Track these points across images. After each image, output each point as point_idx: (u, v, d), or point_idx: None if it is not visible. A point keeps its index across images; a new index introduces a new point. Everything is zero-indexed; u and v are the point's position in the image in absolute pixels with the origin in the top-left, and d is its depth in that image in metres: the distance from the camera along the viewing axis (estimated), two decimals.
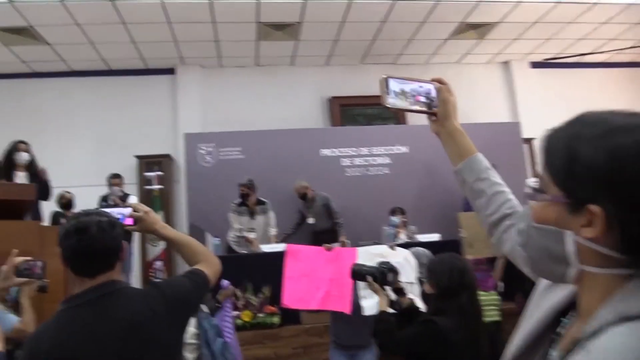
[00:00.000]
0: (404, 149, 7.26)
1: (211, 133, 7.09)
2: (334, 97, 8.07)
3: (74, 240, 1.46)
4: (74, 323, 1.44)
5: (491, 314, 4.44)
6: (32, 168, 5.35)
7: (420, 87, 1.25)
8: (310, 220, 6.47)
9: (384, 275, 2.82)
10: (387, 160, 7.27)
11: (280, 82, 8.09)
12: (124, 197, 6.05)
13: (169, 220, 7.30)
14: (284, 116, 7.77)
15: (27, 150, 5.31)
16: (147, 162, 7.45)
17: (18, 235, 3.81)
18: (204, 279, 1.66)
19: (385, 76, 1.21)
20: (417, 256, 4.44)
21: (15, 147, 5.27)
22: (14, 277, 2.01)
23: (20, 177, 5.22)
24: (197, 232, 6.71)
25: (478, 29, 7.36)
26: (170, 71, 7.94)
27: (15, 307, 2.89)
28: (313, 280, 4.47)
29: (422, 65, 8.38)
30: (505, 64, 8.69)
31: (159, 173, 7.33)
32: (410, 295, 2.99)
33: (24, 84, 7.74)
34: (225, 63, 7.97)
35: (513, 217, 1.10)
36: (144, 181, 7.30)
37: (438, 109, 1.23)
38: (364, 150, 7.20)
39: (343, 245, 5.56)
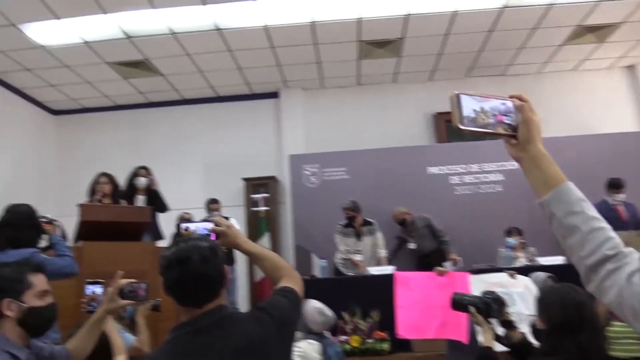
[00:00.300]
0: (518, 165, 6.76)
1: (315, 154, 7.09)
2: (439, 113, 7.77)
3: (176, 273, 1.43)
4: (188, 350, 1.41)
5: (630, 349, 3.89)
6: (150, 191, 5.61)
7: (503, 104, 1.07)
8: (412, 246, 6.19)
9: (488, 306, 2.51)
10: (499, 177, 6.82)
11: (382, 100, 7.96)
12: None
13: (275, 242, 7.37)
14: (387, 134, 7.60)
15: (146, 175, 5.57)
16: (254, 184, 7.61)
17: (135, 256, 3.96)
18: (298, 297, 1.63)
19: (456, 93, 1.05)
20: (536, 282, 4.04)
21: (136, 172, 5.55)
22: (119, 299, 2.01)
23: (140, 201, 5.50)
24: (303, 253, 6.69)
25: (597, 32, 6.75)
26: (273, 95, 8.12)
27: (131, 326, 2.95)
28: (427, 308, 4.23)
29: (534, 75, 7.87)
30: (630, 68, 7.91)
31: (265, 195, 7.46)
32: (523, 329, 2.66)
33: (141, 113, 8.28)
34: (327, 84, 7.99)
35: (617, 260, 0.93)
36: (250, 203, 7.44)
37: (519, 131, 1.06)
38: (474, 167, 6.80)
39: (455, 262, 5.26)
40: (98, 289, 2.35)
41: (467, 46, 6.91)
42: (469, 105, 1.05)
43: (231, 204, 6.91)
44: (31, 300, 1.83)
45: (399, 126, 7.79)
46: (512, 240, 5.52)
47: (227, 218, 6.25)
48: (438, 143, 7.62)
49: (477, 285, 4.05)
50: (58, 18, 5.69)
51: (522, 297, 3.92)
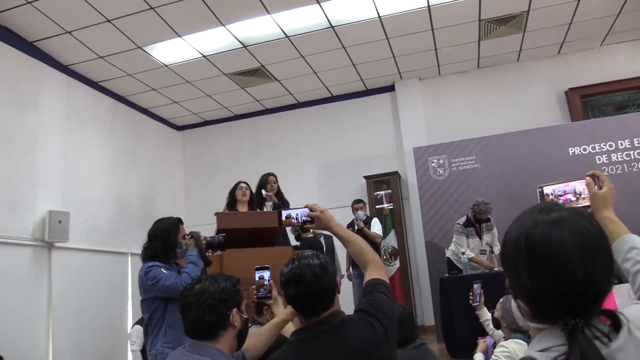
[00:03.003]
0: None
1: (441, 144, 6.72)
2: (572, 89, 7.08)
3: (293, 290, 1.62)
4: (308, 353, 1.58)
5: None
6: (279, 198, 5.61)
7: (566, 185, 1.57)
8: None
9: None
10: None
11: (505, 81, 7.42)
12: (367, 221, 5.99)
13: (402, 238, 7.12)
14: (515, 117, 7.06)
15: (276, 182, 5.57)
16: (375, 182, 7.41)
17: (276, 261, 3.91)
18: (390, 289, 1.75)
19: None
20: None
21: (267, 180, 5.55)
22: None
23: (268, 207, 5.52)
24: (435, 250, 6.39)
25: None
26: (389, 89, 7.89)
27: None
28: None
29: None
30: None
31: (388, 191, 7.24)
32: None
33: (259, 121, 8.44)
34: (444, 71, 7.61)
35: None
36: (374, 201, 7.26)
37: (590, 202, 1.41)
38: (625, 143, 6.04)
39: None
40: (266, 274, 2.34)
41: (604, 10, 6.19)
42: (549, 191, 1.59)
43: (351, 204, 6.71)
44: (245, 311, 1.91)
45: (528, 107, 7.20)
46: None
47: (371, 218, 6.11)
48: (574, 121, 6.92)
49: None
50: (180, 36, 5.89)
51: None
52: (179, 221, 3.29)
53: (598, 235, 0.94)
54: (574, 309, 0.90)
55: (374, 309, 1.63)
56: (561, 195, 1.52)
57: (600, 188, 1.41)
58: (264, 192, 5.46)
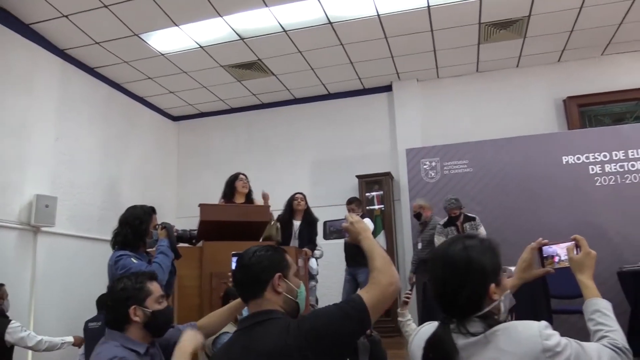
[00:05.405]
0: None
1: (435, 147, 6.66)
2: (570, 97, 7.02)
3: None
4: (231, 347, 1.61)
5: None
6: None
7: (555, 247, 1.76)
8: (419, 246, 5.92)
9: None
10: None
11: (504, 86, 7.36)
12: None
13: (391, 241, 7.08)
14: (512, 123, 7.01)
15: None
16: (367, 182, 7.37)
17: None
18: (359, 308, 1.54)
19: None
20: None
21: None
22: None
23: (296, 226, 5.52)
24: None
25: None
26: (386, 88, 7.84)
27: None
28: None
29: None
30: None
31: (379, 192, 7.19)
32: None
33: (254, 115, 8.39)
34: (442, 74, 7.56)
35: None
36: (366, 201, 7.21)
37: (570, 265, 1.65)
38: (618, 154, 5.97)
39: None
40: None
41: (605, 19, 6.12)
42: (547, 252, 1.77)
43: (345, 203, 6.66)
44: (152, 305, 2.03)
45: (525, 113, 7.15)
46: None
47: (364, 215, 6.05)
48: (570, 130, 6.87)
49: None
50: (177, 25, 5.85)
51: None
52: (152, 210, 3.26)
53: (465, 260, 1.35)
54: (447, 308, 1.37)
55: (308, 318, 1.55)
56: (553, 256, 1.75)
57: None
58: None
